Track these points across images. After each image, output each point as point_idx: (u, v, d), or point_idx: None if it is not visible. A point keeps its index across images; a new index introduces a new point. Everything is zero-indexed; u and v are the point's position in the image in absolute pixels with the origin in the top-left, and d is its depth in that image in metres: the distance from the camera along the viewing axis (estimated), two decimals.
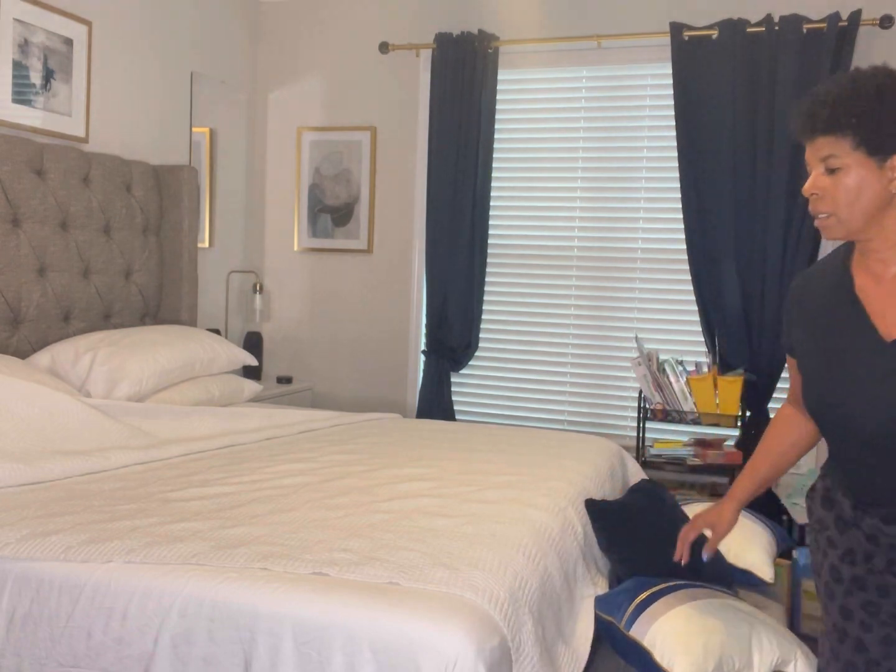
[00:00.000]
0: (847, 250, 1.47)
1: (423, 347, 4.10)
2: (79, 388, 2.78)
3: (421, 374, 4.10)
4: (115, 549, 1.67)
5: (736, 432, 3.59)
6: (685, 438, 3.66)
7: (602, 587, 2.09)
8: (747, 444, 3.50)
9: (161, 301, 3.57)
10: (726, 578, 2.29)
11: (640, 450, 3.52)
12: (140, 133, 3.57)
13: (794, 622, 3.05)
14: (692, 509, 2.68)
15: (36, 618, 1.61)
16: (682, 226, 3.62)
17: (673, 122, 3.62)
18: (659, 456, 3.49)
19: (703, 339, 3.66)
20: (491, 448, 2.72)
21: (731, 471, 3.49)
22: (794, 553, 3.13)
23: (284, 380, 4.18)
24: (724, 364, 3.54)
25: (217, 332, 3.89)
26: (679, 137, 3.56)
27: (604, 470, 2.63)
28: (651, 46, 3.69)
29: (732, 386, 3.36)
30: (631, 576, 2.09)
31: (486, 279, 3.99)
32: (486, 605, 1.53)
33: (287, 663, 1.47)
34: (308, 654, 1.47)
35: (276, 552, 1.69)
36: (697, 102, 3.53)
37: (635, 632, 1.84)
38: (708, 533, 1.80)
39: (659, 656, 1.77)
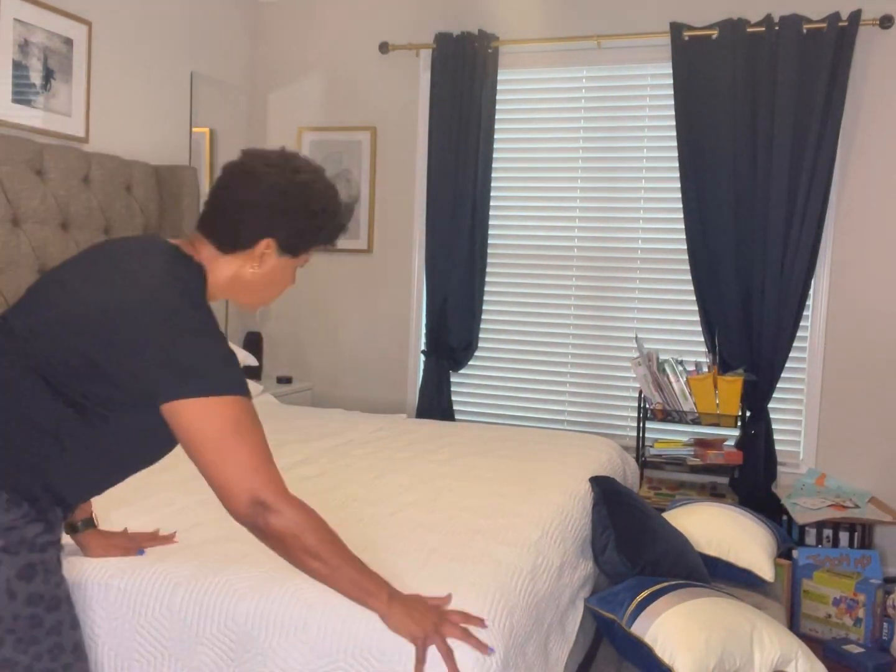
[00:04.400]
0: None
1: (423, 347, 4.10)
2: None
3: (421, 374, 4.10)
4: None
5: (736, 432, 3.59)
6: (685, 438, 3.66)
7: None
8: (747, 444, 3.51)
9: None
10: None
11: (640, 450, 3.53)
12: (140, 133, 3.57)
13: (794, 622, 3.06)
14: (691, 509, 2.68)
15: None
16: (682, 226, 3.62)
17: (673, 122, 3.62)
18: (659, 456, 3.49)
19: (703, 339, 3.66)
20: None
21: (730, 471, 3.50)
22: (794, 553, 3.14)
23: (284, 380, 4.18)
24: (724, 364, 3.55)
25: None
26: (679, 137, 3.56)
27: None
28: (651, 46, 3.69)
29: (732, 386, 3.37)
30: (629, 554, 2.10)
31: (486, 279, 3.99)
32: None
33: None
34: None
35: None
36: (697, 102, 3.53)
37: (637, 629, 1.84)
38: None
39: (660, 652, 1.77)
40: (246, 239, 1.45)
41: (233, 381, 1.35)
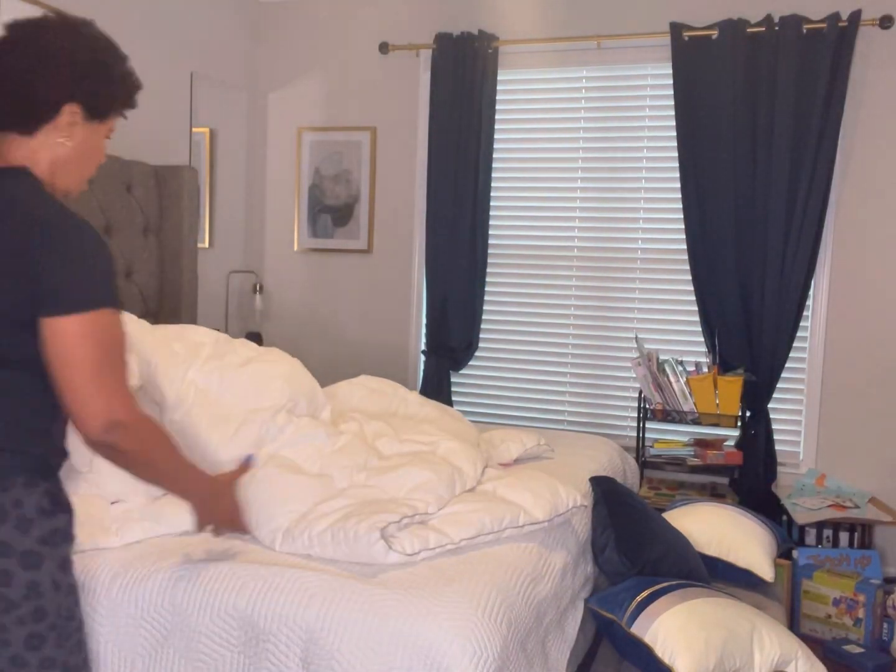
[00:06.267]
0: None
1: (423, 347, 4.10)
2: None
3: (421, 374, 4.10)
4: None
5: (736, 432, 3.59)
6: (685, 438, 3.66)
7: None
8: (747, 444, 3.51)
9: (161, 301, 3.57)
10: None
11: (640, 450, 3.53)
12: (140, 133, 3.57)
13: (793, 622, 3.06)
14: (691, 509, 2.68)
15: None
16: (682, 226, 3.62)
17: (673, 122, 3.62)
18: (659, 456, 3.50)
19: (703, 339, 3.66)
20: None
21: (731, 471, 3.50)
22: (794, 553, 3.14)
23: None
24: (724, 364, 3.55)
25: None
26: (679, 137, 3.56)
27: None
28: (651, 46, 3.69)
29: (732, 386, 3.37)
30: (628, 553, 2.10)
31: (486, 279, 3.99)
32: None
33: None
34: None
35: None
36: (697, 102, 3.53)
37: (637, 629, 1.84)
38: None
39: (661, 652, 1.77)
40: (45, 105, 1.38)
41: (104, 294, 1.33)
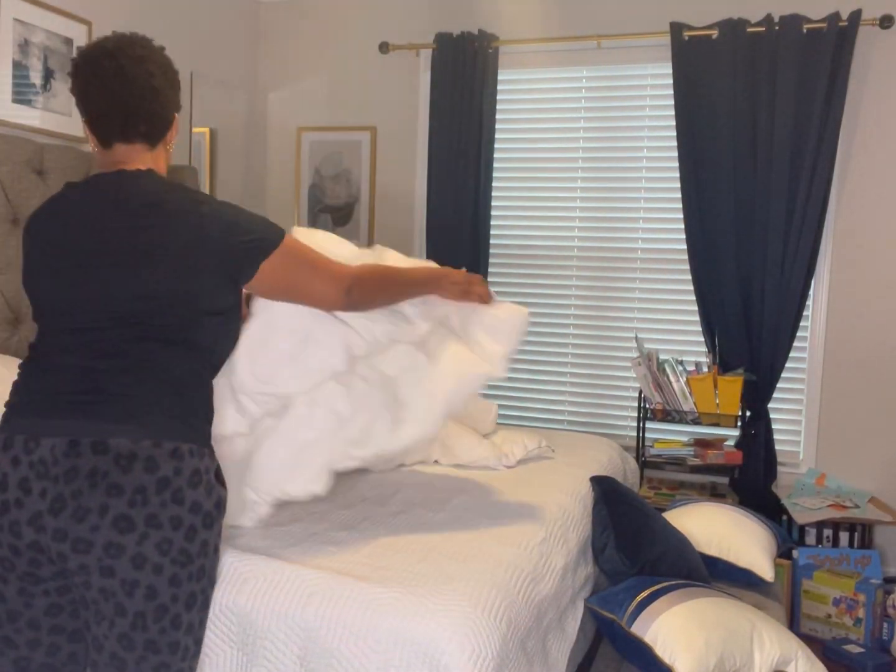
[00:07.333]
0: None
1: None
2: None
3: None
4: None
5: (736, 432, 3.59)
6: (685, 438, 3.66)
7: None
8: (747, 444, 3.51)
9: None
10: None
11: (640, 450, 3.53)
12: None
13: (793, 622, 3.06)
14: (691, 509, 2.68)
15: None
16: (682, 226, 3.62)
17: (673, 122, 3.62)
18: (659, 456, 3.50)
19: (703, 339, 3.66)
20: None
21: (731, 471, 3.50)
22: (794, 553, 3.14)
23: None
24: (724, 364, 3.55)
25: None
26: (679, 137, 3.56)
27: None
28: (651, 46, 3.69)
29: (732, 386, 3.37)
30: (628, 553, 2.10)
31: (487, 279, 3.99)
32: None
33: None
34: None
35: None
36: (697, 102, 3.53)
37: (637, 628, 1.84)
38: None
39: (661, 652, 1.77)
40: (170, 121, 1.60)
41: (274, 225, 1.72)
